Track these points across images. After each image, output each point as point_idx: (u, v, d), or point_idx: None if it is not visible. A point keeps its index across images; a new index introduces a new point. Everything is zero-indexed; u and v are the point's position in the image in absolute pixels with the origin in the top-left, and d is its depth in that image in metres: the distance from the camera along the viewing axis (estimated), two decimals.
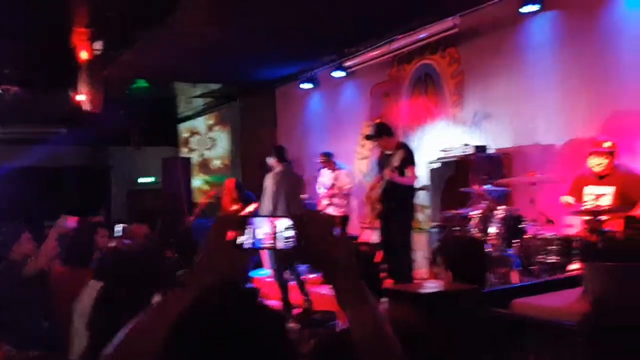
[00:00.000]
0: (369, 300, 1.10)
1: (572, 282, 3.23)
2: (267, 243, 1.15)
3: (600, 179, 4.51)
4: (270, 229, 1.14)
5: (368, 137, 5.97)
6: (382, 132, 5.78)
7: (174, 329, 1.02)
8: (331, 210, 7.48)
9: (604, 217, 4.14)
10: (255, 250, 1.15)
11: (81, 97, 6.79)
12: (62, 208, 5.28)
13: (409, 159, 5.54)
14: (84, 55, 6.59)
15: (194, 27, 6.07)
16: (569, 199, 4.68)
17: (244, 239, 1.13)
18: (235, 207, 7.04)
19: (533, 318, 2.47)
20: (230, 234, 1.13)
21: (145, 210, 10.23)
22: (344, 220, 7.49)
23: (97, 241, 3.64)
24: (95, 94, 6.59)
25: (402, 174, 5.52)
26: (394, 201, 5.61)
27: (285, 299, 5.93)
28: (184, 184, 9.15)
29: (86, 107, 6.81)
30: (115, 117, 9.23)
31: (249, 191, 7.46)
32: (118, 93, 8.83)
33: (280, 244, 1.15)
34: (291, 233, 1.15)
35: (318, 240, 1.12)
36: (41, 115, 9.97)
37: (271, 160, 6.18)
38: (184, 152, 12.42)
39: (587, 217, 4.21)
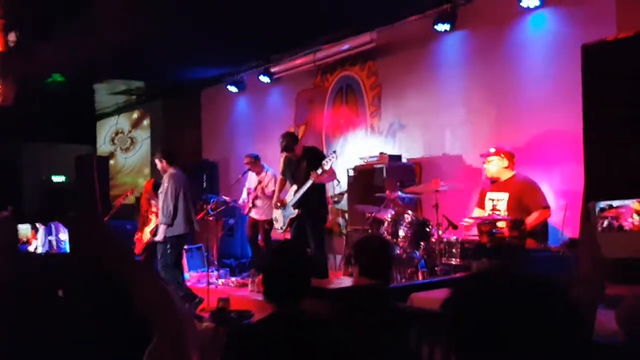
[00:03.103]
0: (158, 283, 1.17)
1: None
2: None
3: (495, 184, 4.94)
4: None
5: (286, 149, 6.08)
6: (295, 140, 6.06)
7: None
8: (254, 214, 7.49)
9: (499, 224, 4.52)
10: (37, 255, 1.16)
11: None
12: None
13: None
14: None
15: (111, 23, 6.00)
16: (477, 213, 5.08)
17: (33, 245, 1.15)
18: (153, 208, 6.94)
19: (428, 310, 2.72)
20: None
21: (56, 209, 9.80)
22: (270, 223, 7.50)
23: None
24: (6, 87, 6.31)
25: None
26: (311, 203, 5.83)
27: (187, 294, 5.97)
28: (99, 184, 8.88)
29: None
30: (28, 111, 8.83)
31: None
32: (32, 87, 8.46)
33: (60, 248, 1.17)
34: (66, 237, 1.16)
35: (85, 243, 1.13)
36: None
37: (162, 164, 6.18)
38: (106, 150, 12.06)
39: (483, 222, 4.59)
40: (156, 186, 7.10)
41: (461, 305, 1.09)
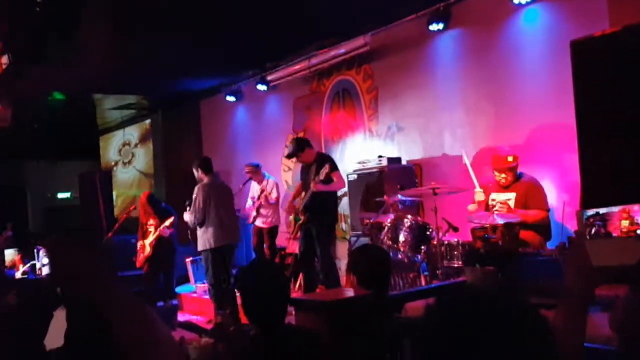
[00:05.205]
0: (136, 308, 1.16)
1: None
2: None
3: (505, 188, 4.90)
4: None
5: (288, 156, 6.08)
6: (300, 147, 5.96)
7: None
8: (259, 222, 7.47)
9: (500, 221, 4.46)
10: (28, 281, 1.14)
11: None
12: None
13: (333, 167, 5.76)
14: None
15: (104, 41, 6.03)
16: (473, 207, 5.05)
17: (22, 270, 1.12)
18: (151, 221, 6.94)
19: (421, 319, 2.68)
20: None
21: (63, 227, 9.87)
22: (272, 231, 7.49)
23: None
24: (4, 108, 6.36)
25: (329, 181, 5.70)
26: (317, 212, 5.78)
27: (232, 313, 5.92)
28: (102, 199, 8.92)
29: None
30: (28, 131, 8.91)
31: (167, 204, 7.41)
32: (32, 106, 8.52)
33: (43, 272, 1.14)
34: (46, 260, 1.14)
35: (66, 267, 1.11)
36: None
37: (198, 173, 6.15)
38: (113, 159, 12.18)
39: (484, 224, 4.55)
40: (150, 199, 7.10)
41: (431, 330, 1.07)
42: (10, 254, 7.05)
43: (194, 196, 5.99)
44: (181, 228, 7.13)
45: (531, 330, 1.01)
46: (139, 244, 6.93)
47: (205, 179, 6.06)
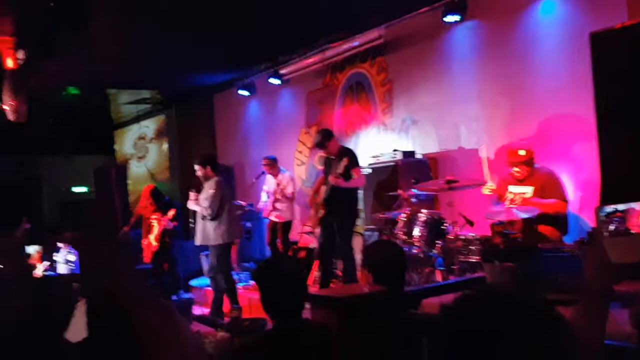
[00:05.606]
0: (163, 306, 1.17)
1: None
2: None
3: (521, 181, 4.84)
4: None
5: (318, 145, 5.99)
6: (328, 137, 5.87)
7: None
8: (273, 216, 7.47)
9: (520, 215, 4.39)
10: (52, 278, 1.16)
11: (6, 107, 6.61)
12: None
13: (354, 163, 5.66)
14: (9, 63, 6.40)
15: (119, 35, 6.05)
16: (487, 190, 4.97)
17: (42, 267, 1.14)
18: (154, 215, 6.96)
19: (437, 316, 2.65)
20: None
21: (79, 224, 9.96)
22: (286, 225, 7.49)
23: None
24: (20, 103, 6.42)
25: (348, 178, 5.61)
26: (337, 206, 5.74)
27: (216, 308, 5.98)
28: (118, 193, 8.98)
29: (11, 116, 6.63)
30: (44, 125, 8.99)
31: (170, 199, 7.46)
32: (47, 101, 8.59)
33: (63, 268, 1.16)
34: (73, 257, 1.15)
35: (96, 266, 1.13)
36: None
37: (206, 170, 6.15)
38: (128, 152, 12.26)
39: (503, 219, 4.49)
40: (154, 192, 7.10)
41: (448, 327, 1.06)
42: (31, 251, 7.07)
43: (211, 191, 6.02)
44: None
45: (550, 327, 1.00)
46: (145, 241, 6.97)
47: (215, 177, 6.10)
